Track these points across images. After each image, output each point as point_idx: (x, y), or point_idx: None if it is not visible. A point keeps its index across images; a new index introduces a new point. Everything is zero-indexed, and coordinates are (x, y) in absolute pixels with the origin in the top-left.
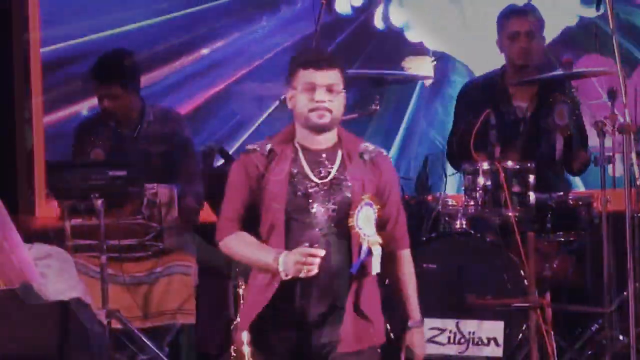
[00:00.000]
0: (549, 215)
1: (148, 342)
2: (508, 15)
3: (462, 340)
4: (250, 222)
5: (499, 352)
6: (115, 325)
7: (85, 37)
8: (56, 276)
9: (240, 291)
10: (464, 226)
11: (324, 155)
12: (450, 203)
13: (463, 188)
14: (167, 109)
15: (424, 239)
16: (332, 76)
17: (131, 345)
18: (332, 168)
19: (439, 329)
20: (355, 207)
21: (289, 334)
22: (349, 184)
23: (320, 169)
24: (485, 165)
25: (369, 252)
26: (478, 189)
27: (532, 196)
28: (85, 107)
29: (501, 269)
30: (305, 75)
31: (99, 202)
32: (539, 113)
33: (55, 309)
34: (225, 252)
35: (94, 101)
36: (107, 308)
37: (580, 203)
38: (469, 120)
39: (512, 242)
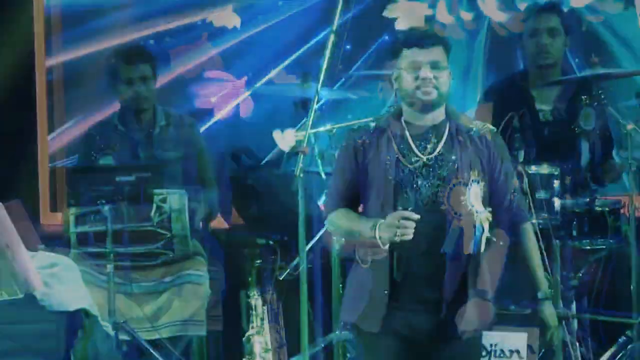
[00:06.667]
0: (575, 222)
1: (157, 355)
2: (531, 11)
3: (484, 352)
4: (358, 199)
5: None
6: (123, 336)
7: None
8: (61, 286)
9: (253, 302)
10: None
11: (430, 132)
12: None
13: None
14: (180, 113)
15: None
16: (436, 53)
17: (139, 357)
18: (437, 144)
19: None
20: (464, 184)
21: (397, 317)
22: (455, 160)
23: (427, 144)
24: None
25: (482, 229)
26: None
27: (557, 202)
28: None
29: (525, 278)
30: (410, 54)
31: (107, 208)
32: (563, 117)
33: (61, 320)
34: (330, 230)
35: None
36: (115, 319)
37: (608, 209)
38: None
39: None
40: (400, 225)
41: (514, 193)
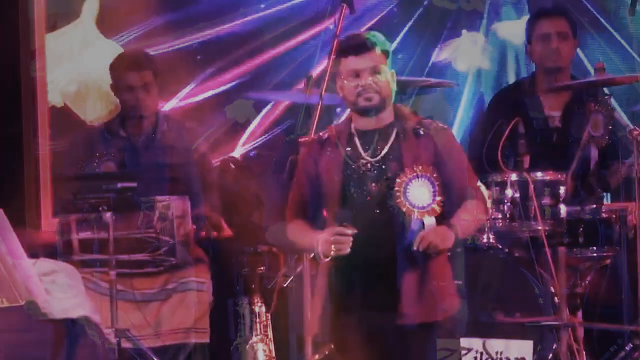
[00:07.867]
0: (581, 229)
1: None
2: (538, 16)
3: None
4: (315, 209)
5: None
6: (125, 344)
7: None
8: (62, 293)
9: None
10: (491, 240)
11: (377, 135)
12: None
13: (490, 200)
14: (181, 119)
15: (449, 254)
16: (373, 58)
17: None
18: (384, 146)
19: (465, 348)
20: (402, 181)
21: (353, 316)
22: (400, 160)
23: (375, 148)
24: (513, 176)
25: (421, 224)
26: (506, 201)
27: (563, 209)
28: None
29: (530, 286)
30: (348, 63)
31: (108, 215)
32: (571, 122)
33: (62, 328)
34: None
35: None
36: (117, 327)
37: (614, 216)
38: (498, 130)
39: (542, 257)
40: (335, 241)
41: (462, 181)
